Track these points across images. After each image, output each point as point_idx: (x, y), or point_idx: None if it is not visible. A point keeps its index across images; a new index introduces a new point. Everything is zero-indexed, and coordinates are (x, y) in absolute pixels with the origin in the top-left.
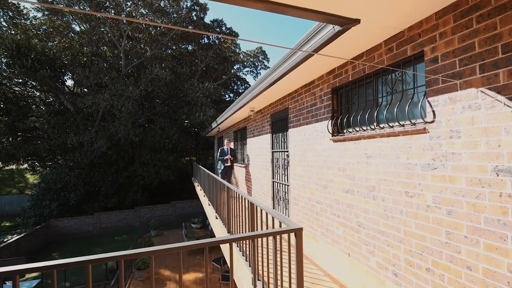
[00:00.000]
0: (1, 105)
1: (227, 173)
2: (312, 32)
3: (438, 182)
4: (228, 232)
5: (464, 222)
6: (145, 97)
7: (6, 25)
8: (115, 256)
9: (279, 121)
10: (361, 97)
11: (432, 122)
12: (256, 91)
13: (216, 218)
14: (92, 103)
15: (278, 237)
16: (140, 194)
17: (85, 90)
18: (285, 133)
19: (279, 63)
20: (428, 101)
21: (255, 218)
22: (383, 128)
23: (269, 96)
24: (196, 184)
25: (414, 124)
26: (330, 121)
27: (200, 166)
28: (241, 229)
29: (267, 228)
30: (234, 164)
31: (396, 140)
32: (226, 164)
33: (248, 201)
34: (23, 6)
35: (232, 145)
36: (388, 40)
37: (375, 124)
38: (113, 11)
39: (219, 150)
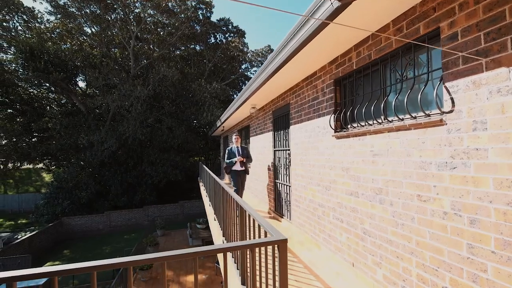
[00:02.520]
0: (17, 106)
1: (240, 181)
2: (309, 10)
3: (458, 184)
4: (224, 236)
5: (492, 234)
6: (154, 97)
7: (22, 29)
8: (122, 263)
9: (280, 118)
10: (366, 88)
11: (451, 112)
12: (260, 80)
13: (215, 220)
14: (101, 103)
15: (259, 249)
16: (149, 193)
17: (97, 91)
18: (286, 131)
19: (286, 39)
20: (446, 87)
21: (245, 224)
22: (391, 121)
23: (270, 90)
24: (200, 184)
25: (428, 115)
26: (333, 115)
27: (204, 166)
28: (233, 233)
29: (259, 237)
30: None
31: (406, 134)
32: (237, 169)
33: (239, 205)
34: (37, 10)
35: (240, 142)
36: (397, 19)
37: (382, 117)
38: (121, 13)
39: (226, 150)
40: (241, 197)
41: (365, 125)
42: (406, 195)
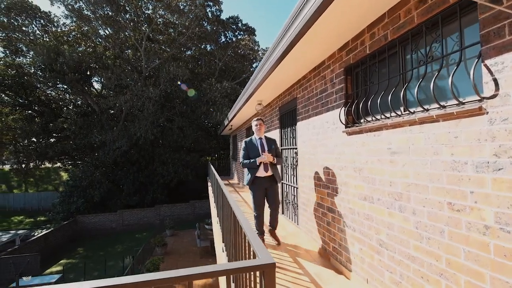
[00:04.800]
0: (36, 108)
1: (264, 196)
2: None
3: (505, 190)
4: (223, 242)
5: None
6: (165, 97)
7: (40, 33)
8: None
9: (287, 114)
10: (382, 75)
11: (493, 97)
12: (265, 70)
13: (217, 222)
14: (113, 104)
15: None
16: (160, 192)
17: (110, 92)
18: (293, 128)
19: (291, 18)
20: (486, 66)
21: (237, 234)
22: (413, 112)
23: (275, 83)
24: (209, 184)
25: (462, 103)
26: (343, 108)
27: (211, 166)
28: (230, 242)
29: (249, 254)
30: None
31: (433, 128)
32: (261, 175)
33: (232, 212)
34: (54, 14)
35: (264, 130)
36: None
37: (402, 108)
38: (133, 14)
39: (243, 144)
40: (274, 228)
41: (381, 118)
42: (433, 203)
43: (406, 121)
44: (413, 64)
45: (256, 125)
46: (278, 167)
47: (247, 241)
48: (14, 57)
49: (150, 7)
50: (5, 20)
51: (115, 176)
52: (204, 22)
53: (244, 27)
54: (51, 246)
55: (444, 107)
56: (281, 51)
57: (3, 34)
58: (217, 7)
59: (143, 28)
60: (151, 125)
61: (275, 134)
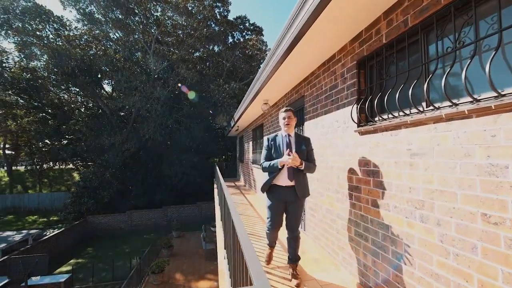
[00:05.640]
0: (49, 110)
1: (284, 212)
2: None
3: None
4: (225, 249)
5: None
6: (173, 99)
7: (53, 37)
8: None
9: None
10: (401, 66)
11: None
12: (271, 65)
13: (221, 227)
14: (122, 105)
15: None
16: (168, 194)
17: (121, 94)
18: (300, 127)
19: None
20: None
21: (236, 252)
22: (438, 108)
23: (282, 80)
24: (215, 185)
25: (502, 95)
26: (356, 106)
27: (217, 167)
28: (230, 250)
29: (246, 277)
30: (252, 167)
31: (464, 125)
32: (282, 184)
33: (233, 227)
34: (66, 18)
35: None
36: None
37: (424, 104)
38: (142, 17)
39: (266, 141)
40: (295, 262)
41: (400, 115)
42: (463, 213)
43: (430, 118)
44: (439, 51)
45: (284, 118)
46: (308, 176)
47: (244, 262)
48: (28, 61)
49: (159, 9)
50: (20, 25)
51: (124, 177)
52: (212, 23)
53: (251, 27)
54: (62, 245)
55: (477, 100)
56: (287, 45)
57: (19, 39)
58: (225, 8)
59: (152, 31)
60: (159, 127)
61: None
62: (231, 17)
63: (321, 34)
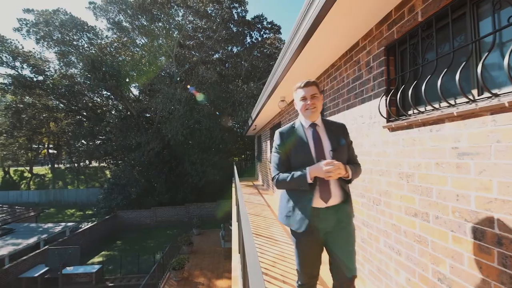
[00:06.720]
0: (84, 113)
1: (326, 240)
2: None
3: None
4: (239, 253)
5: None
6: (194, 100)
7: (87, 46)
8: None
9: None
10: (442, 48)
11: None
12: (288, 57)
13: (236, 228)
14: (146, 107)
15: None
16: (189, 191)
17: (146, 97)
18: None
19: None
20: None
21: (245, 271)
22: (497, 95)
23: (300, 73)
24: (233, 184)
25: None
26: (384, 98)
27: (235, 167)
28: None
29: None
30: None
31: None
32: (318, 205)
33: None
34: (98, 28)
35: (318, 108)
36: None
37: (475, 91)
38: (165, 23)
39: (277, 138)
40: None
41: (442, 107)
42: None
43: (486, 109)
44: (496, 25)
45: (305, 98)
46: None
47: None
48: (67, 68)
49: (180, 14)
50: (60, 36)
51: (150, 175)
52: (230, 24)
53: (269, 26)
54: (95, 238)
55: None
56: (304, 32)
57: (58, 49)
58: (243, 8)
59: (174, 35)
60: (181, 127)
61: None
62: (249, 17)
63: (342, 19)
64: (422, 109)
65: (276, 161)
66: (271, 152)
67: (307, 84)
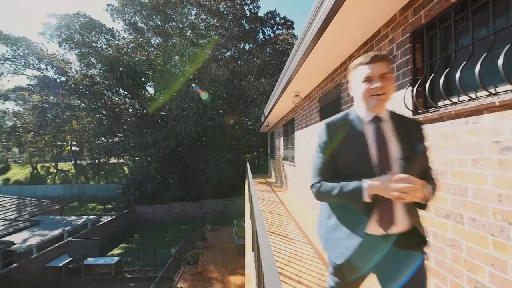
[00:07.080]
0: (103, 112)
1: (380, 279)
2: None
3: None
4: (253, 251)
5: None
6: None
7: (105, 47)
8: None
9: (329, 105)
10: (479, 31)
11: None
12: (302, 50)
13: (250, 226)
14: (160, 105)
15: None
16: (203, 188)
17: (161, 95)
18: None
19: None
20: None
21: (260, 271)
22: None
23: (315, 67)
24: (246, 181)
25: None
26: (410, 89)
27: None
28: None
29: None
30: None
31: None
32: (376, 232)
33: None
34: (116, 29)
35: (389, 93)
36: None
37: None
38: (179, 22)
39: (324, 132)
40: None
41: (479, 97)
42: None
43: None
44: None
45: (369, 78)
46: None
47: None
48: (87, 69)
49: (193, 12)
50: (80, 38)
51: (165, 171)
52: (242, 21)
53: (282, 21)
54: (114, 230)
55: None
56: (320, 21)
57: (79, 51)
58: (255, 4)
59: (187, 34)
60: (194, 124)
61: (312, 131)
62: (261, 13)
63: (363, 3)
64: (456, 99)
65: (319, 164)
66: (284, 148)
67: (375, 59)
